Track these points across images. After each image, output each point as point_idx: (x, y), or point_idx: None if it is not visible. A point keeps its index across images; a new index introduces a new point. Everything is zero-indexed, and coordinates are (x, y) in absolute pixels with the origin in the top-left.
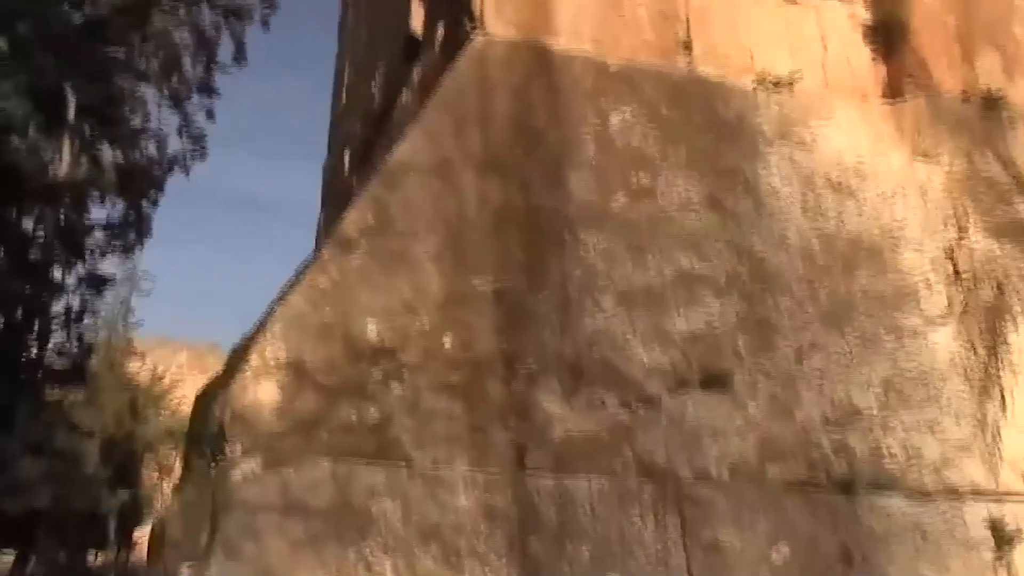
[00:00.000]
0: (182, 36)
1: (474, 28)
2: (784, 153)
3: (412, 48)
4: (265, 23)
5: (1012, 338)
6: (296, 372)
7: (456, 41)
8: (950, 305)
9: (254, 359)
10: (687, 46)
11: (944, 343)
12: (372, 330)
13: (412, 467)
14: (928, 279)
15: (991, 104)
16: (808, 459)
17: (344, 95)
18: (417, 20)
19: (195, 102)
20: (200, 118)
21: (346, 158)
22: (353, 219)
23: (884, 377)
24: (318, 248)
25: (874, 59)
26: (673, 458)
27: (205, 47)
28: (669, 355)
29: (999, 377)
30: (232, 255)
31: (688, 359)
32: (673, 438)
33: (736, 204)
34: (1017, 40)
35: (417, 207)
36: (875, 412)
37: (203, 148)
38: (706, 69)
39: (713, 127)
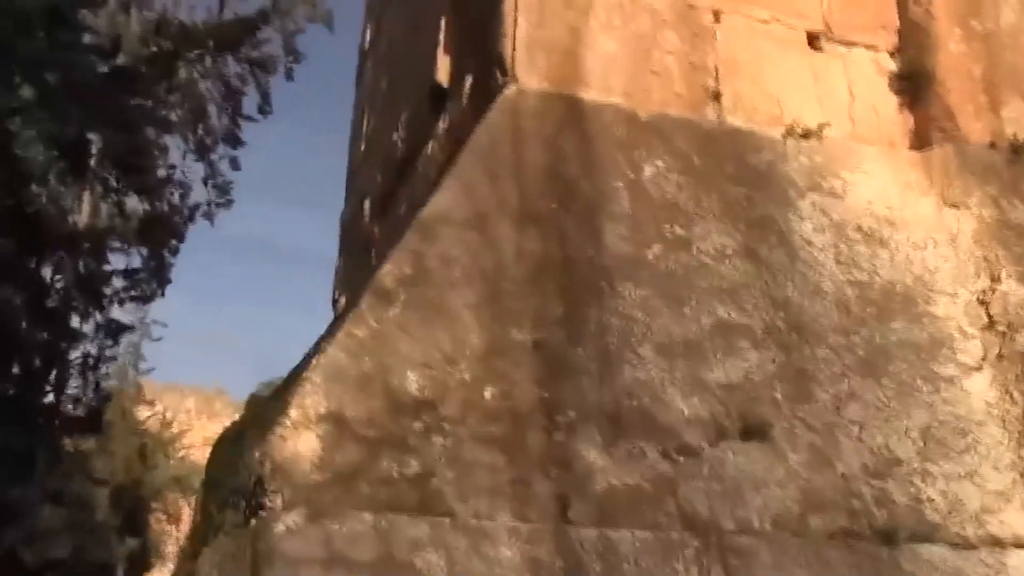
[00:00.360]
0: (208, 87)
1: (505, 79)
2: (816, 202)
3: (438, 98)
4: (289, 74)
5: None
6: (337, 424)
7: (486, 92)
8: (985, 353)
9: (294, 411)
10: (716, 96)
11: (980, 391)
12: (412, 382)
13: (455, 519)
14: (962, 327)
15: (1018, 151)
16: (849, 509)
17: (363, 145)
18: (443, 70)
19: (220, 152)
20: (225, 167)
21: (366, 207)
22: (390, 271)
23: (922, 426)
24: (336, 297)
25: (900, 108)
26: (716, 509)
27: (231, 98)
28: (708, 405)
29: None
30: (242, 301)
31: (727, 409)
32: (715, 489)
33: (770, 254)
34: None
35: (454, 259)
36: (915, 461)
37: (229, 198)
38: (735, 119)
39: (745, 177)
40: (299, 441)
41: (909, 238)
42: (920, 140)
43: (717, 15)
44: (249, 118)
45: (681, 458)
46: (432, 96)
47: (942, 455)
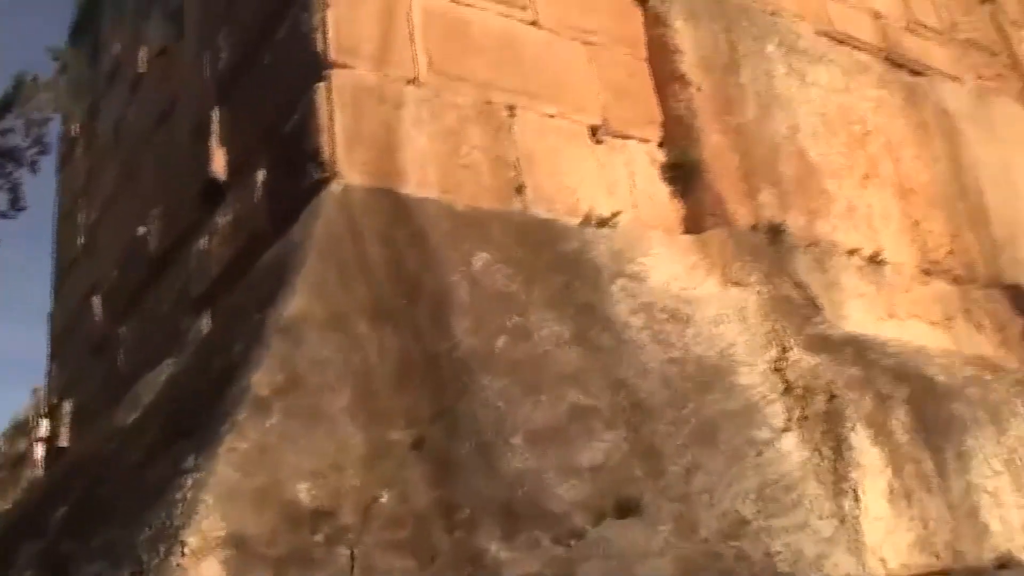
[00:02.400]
0: None
1: (324, 175)
2: (624, 287)
3: (213, 192)
4: (33, 167)
5: (854, 440)
6: (238, 546)
7: (295, 188)
8: (789, 415)
9: (192, 537)
10: (520, 189)
11: (793, 450)
12: (305, 493)
13: None
14: (765, 394)
15: (776, 233)
16: (719, 569)
17: (81, 239)
18: (219, 164)
19: None
20: None
21: (95, 305)
22: (262, 379)
23: (757, 487)
24: (54, 403)
25: (672, 195)
26: None
27: None
28: (584, 488)
29: (847, 476)
30: None
31: (600, 490)
32: (608, 567)
33: (599, 338)
34: (785, 177)
35: (324, 362)
36: (759, 519)
37: None
38: (539, 210)
39: (560, 265)
40: (202, 570)
41: (705, 316)
42: (694, 224)
43: (512, 110)
44: (3, 215)
45: (572, 541)
46: (206, 190)
47: (778, 511)
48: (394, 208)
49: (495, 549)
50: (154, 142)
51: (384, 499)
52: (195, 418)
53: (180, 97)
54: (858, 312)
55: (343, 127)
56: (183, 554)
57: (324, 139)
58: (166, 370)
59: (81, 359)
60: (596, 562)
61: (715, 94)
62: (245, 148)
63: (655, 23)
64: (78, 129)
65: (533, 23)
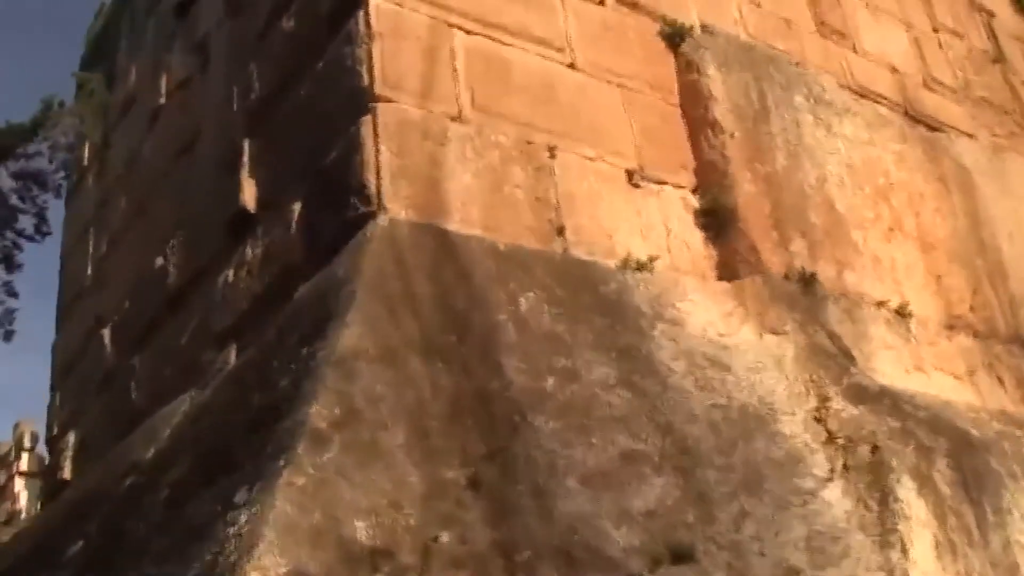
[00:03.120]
0: None
1: (368, 209)
2: (665, 331)
3: (241, 225)
4: (59, 191)
5: (900, 492)
6: None
7: (336, 222)
8: (832, 466)
9: (252, 573)
10: (560, 230)
11: (837, 501)
12: (363, 531)
13: None
14: (807, 443)
15: (808, 283)
16: None
17: (89, 270)
18: (249, 196)
19: None
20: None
21: (105, 338)
22: (319, 413)
23: (804, 537)
24: (55, 434)
25: (706, 241)
26: None
27: (7, 216)
28: (638, 534)
29: (895, 528)
30: None
31: (653, 536)
32: None
33: (644, 382)
34: (814, 226)
35: (379, 397)
36: (808, 570)
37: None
38: (579, 252)
39: (602, 308)
40: None
41: (744, 363)
42: (727, 271)
43: (552, 151)
44: (31, 238)
45: None
46: (233, 222)
47: (826, 562)
48: (440, 244)
49: None
50: (173, 174)
51: (444, 539)
52: (239, 453)
53: (204, 129)
54: (886, 364)
55: (389, 161)
56: None
57: (369, 173)
58: (185, 404)
59: (86, 391)
60: None
61: (747, 142)
62: (278, 181)
63: (688, 69)
64: (88, 159)
65: (571, 65)
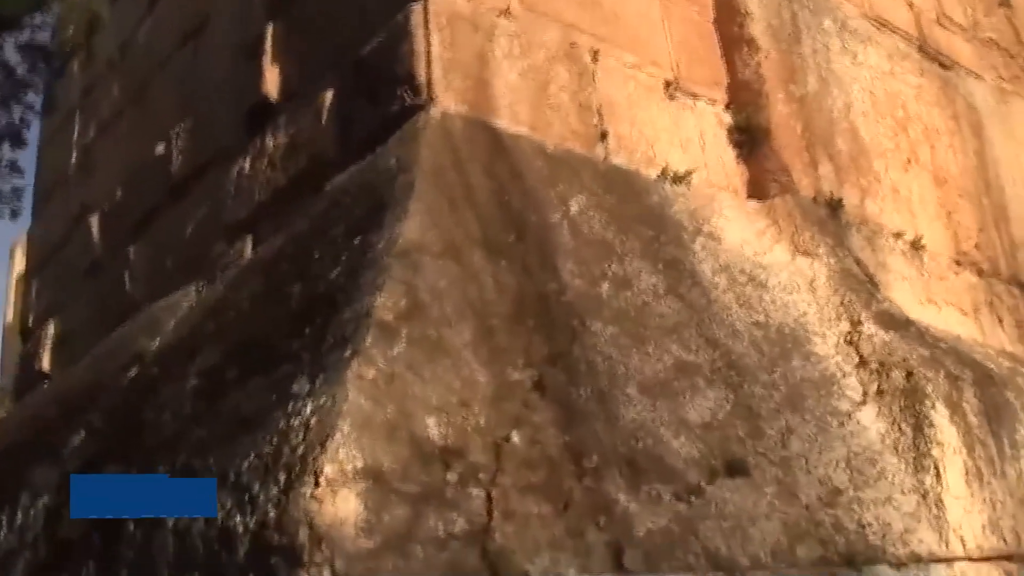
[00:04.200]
0: None
1: (418, 100)
2: (705, 246)
3: (261, 114)
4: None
5: (936, 419)
6: (376, 480)
7: (378, 113)
8: (865, 389)
9: (328, 466)
10: (603, 136)
11: (872, 423)
12: (433, 428)
13: None
14: (840, 365)
15: (834, 207)
16: (819, 538)
17: (74, 156)
18: (271, 84)
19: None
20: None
21: (93, 225)
22: (385, 304)
23: (843, 456)
24: (31, 326)
25: (738, 159)
26: (731, 547)
27: (15, 89)
28: (695, 445)
29: (930, 453)
30: None
31: (709, 448)
32: (724, 527)
33: (690, 294)
34: (840, 152)
35: (444, 292)
36: (849, 490)
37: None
38: (619, 160)
39: (646, 218)
40: (339, 502)
41: (778, 282)
42: (758, 190)
43: (595, 55)
44: (40, 114)
45: (692, 498)
46: (253, 111)
47: (864, 483)
48: (492, 141)
49: (623, 500)
50: (176, 60)
51: (515, 440)
52: (287, 343)
53: (214, 14)
54: (902, 295)
55: (440, 53)
56: (317, 484)
57: (419, 63)
58: (191, 296)
59: (68, 281)
60: (714, 521)
61: (781, 62)
62: (305, 69)
63: None
64: (72, 43)
65: None
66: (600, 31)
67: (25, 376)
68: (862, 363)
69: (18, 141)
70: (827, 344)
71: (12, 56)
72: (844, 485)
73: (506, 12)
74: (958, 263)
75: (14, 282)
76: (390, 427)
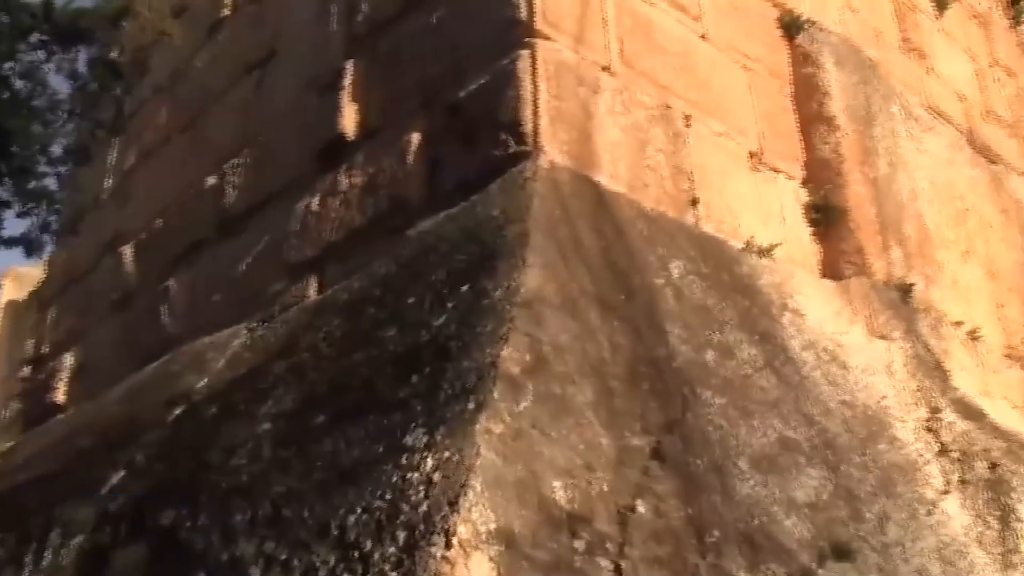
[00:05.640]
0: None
1: (524, 148)
2: (792, 321)
3: (336, 151)
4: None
5: (1022, 512)
6: (508, 545)
7: (475, 158)
8: (947, 479)
9: (462, 527)
10: (694, 202)
11: (956, 515)
12: (560, 492)
13: None
14: (921, 452)
15: (905, 292)
16: None
17: (109, 181)
18: (348, 121)
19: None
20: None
21: (126, 255)
22: (511, 355)
23: (934, 547)
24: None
25: (813, 237)
26: None
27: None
28: (804, 526)
29: (1018, 548)
30: None
31: (818, 530)
32: None
33: (784, 369)
34: (908, 238)
35: (565, 349)
36: None
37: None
38: (709, 227)
39: (739, 288)
40: (473, 567)
41: (858, 364)
42: (831, 270)
43: (688, 120)
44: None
45: None
46: (326, 148)
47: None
48: (596, 197)
49: None
50: (235, 91)
51: (640, 510)
52: (391, 390)
53: (283, 48)
54: (963, 384)
55: (547, 101)
56: (448, 545)
57: (526, 111)
58: (242, 335)
59: (93, 311)
60: None
61: (857, 143)
62: (388, 108)
63: (804, 62)
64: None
65: (703, 36)
66: (692, 96)
67: (35, 406)
68: (943, 451)
69: (87, 157)
70: (907, 429)
71: (84, 70)
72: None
73: (608, 68)
74: (1009, 356)
75: (2, 310)
76: (520, 487)
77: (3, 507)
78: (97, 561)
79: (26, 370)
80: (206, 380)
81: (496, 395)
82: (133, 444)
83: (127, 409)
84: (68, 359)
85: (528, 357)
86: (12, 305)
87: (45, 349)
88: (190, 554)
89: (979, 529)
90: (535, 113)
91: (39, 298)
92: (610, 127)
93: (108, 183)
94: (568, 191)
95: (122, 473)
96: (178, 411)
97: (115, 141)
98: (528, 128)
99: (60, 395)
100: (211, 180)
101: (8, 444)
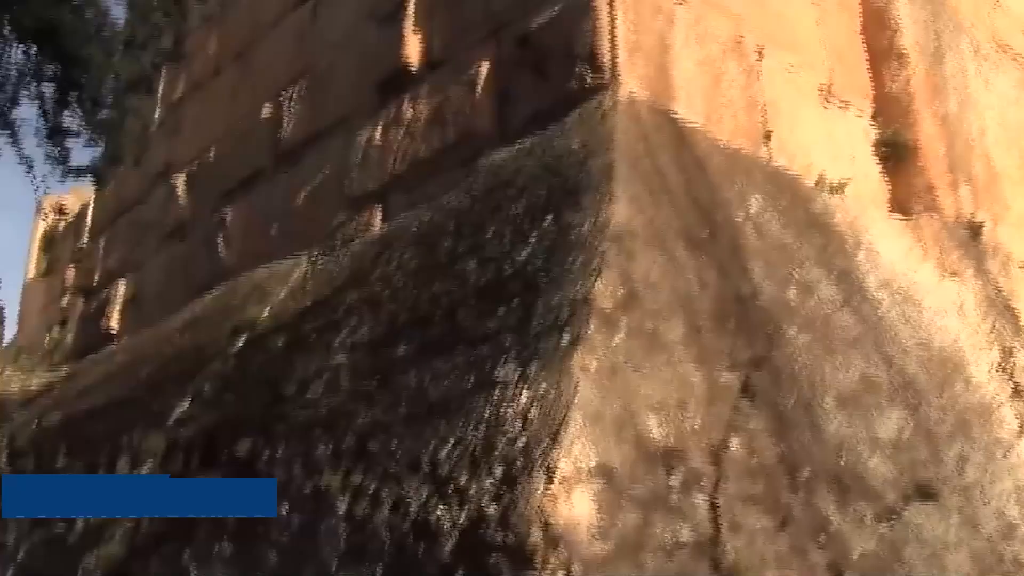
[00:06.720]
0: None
1: (601, 81)
2: (866, 259)
3: (398, 82)
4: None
5: None
6: (608, 481)
7: (548, 90)
8: (1021, 421)
9: (564, 462)
10: (767, 137)
11: None
12: (654, 428)
13: None
14: (995, 394)
15: (975, 231)
16: (1003, 572)
17: (159, 112)
18: (412, 51)
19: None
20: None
21: (178, 185)
22: (604, 291)
23: (1011, 489)
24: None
25: (882, 174)
26: (932, 575)
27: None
28: (888, 465)
29: None
30: None
31: (900, 469)
32: (923, 554)
33: (862, 307)
34: (976, 177)
35: (655, 284)
36: (1021, 525)
37: None
38: (781, 161)
39: (815, 225)
40: (575, 502)
41: (931, 304)
42: (900, 207)
43: (760, 53)
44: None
45: (892, 521)
46: (389, 78)
47: None
48: (675, 131)
49: (836, 520)
50: (289, 20)
51: (733, 448)
52: (477, 323)
53: None
54: None
55: (625, 33)
56: (550, 480)
57: (603, 42)
58: (303, 265)
59: (145, 240)
60: (914, 547)
61: (928, 80)
62: (454, 38)
63: None
64: None
65: None
66: (764, 28)
67: (88, 334)
68: (1017, 393)
69: (149, 88)
70: (981, 371)
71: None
72: (1016, 520)
73: (682, 1)
74: None
75: (39, 239)
76: (618, 424)
77: (69, 434)
78: None
79: (66, 298)
80: (269, 310)
81: (591, 330)
82: (198, 374)
83: (189, 338)
84: (121, 288)
85: (621, 292)
86: (49, 234)
87: (97, 278)
88: None
89: None
90: (612, 45)
91: (91, 227)
92: (685, 60)
93: (157, 114)
94: (649, 125)
95: (189, 402)
96: (242, 341)
97: (163, 72)
98: (606, 60)
99: (114, 323)
100: (266, 110)
101: (63, 371)
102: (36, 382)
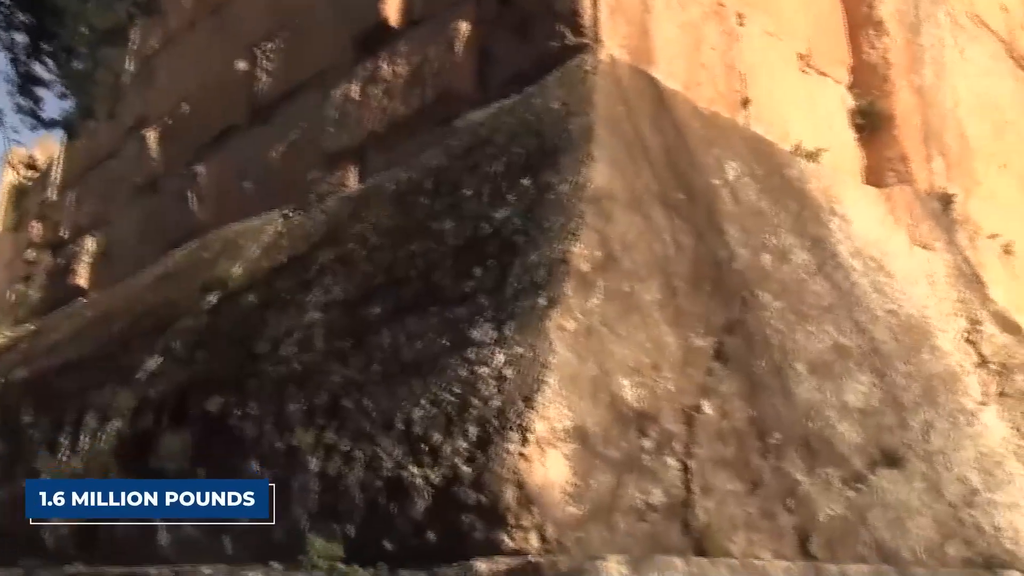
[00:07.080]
0: None
1: (582, 41)
2: (840, 227)
3: (377, 38)
4: None
5: None
6: (582, 442)
7: (528, 49)
8: (985, 390)
9: (539, 423)
10: (745, 103)
11: (994, 426)
12: (628, 390)
13: (742, 561)
14: (961, 363)
15: (946, 203)
16: (964, 537)
17: (130, 64)
18: (392, 7)
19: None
20: None
21: (150, 139)
22: (582, 252)
23: (975, 456)
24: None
25: (857, 143)
26: (895, 538)
27: None
28: (856, 431)
29: None
30: None
31: (868, 435)
32: (888, 517)
33: (835, 275)
34: (949, 148)
35: (632, 246)
36: (983, 491)
37: None
38: (759, 128)
39: (790, 192)
40: (549, 463)
41: (902, 273)
42: (873, 176)
43: (740, 18)
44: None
45: (859, 485)
46: (367, 34)
47: (995, 486)
48: (655, 94)
49: (804, 483)
50: None
51: (706, 410)
52: (453, 283)
53: None
54: (998, 298)
55: None
56: (525, 441)
57: (585, 2)
58: (277, 222)
59: (115, 195)
60: (879, 511)
61: (906, 49)
62: None
63: None
64: None
65: None
66: None
67: (56, 289)
68: (982, 363)
69: (122, 39)
70: (948, 340)
71: None
72: (978, 486)
73: None
74: None
75: (6, 191)
76: (593, 385)
77: (36, 390)
78: (141, 446)
79: (31, 253)
80: (242, 267)
81: (568, 291)
82: (169, 330)
83: (160, 294)
84: (90, 242)
85: (598, 254)
86: (20, 188)
87: (65, 233)
88: (241, 441)
89: (1017, 442)
90: (594, 5)
91: (60, 181)
92: (666, 24)
93: (131, 67)
94: (629, 86)
95: (159, 359)
96: (214, 298)
97: (137, 24)
98: (587, 20)
99: (82, 279)
100: (241, 64)
101: (29, 326)
102: (0, 338)
